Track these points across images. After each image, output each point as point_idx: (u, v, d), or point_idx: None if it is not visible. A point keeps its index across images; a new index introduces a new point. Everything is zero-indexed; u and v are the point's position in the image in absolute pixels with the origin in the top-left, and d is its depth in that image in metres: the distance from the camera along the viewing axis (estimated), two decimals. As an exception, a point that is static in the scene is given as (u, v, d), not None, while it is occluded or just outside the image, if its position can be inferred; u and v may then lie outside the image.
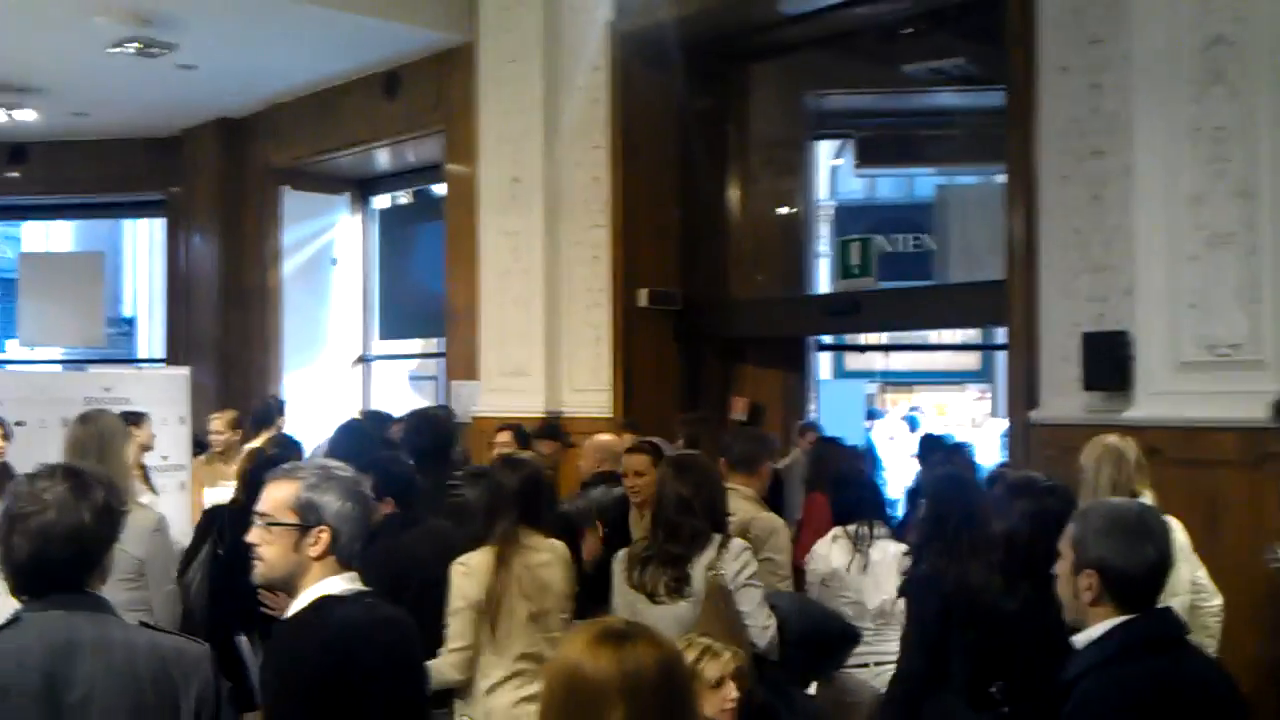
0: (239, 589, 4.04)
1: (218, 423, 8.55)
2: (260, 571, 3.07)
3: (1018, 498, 4.03)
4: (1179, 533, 4.36)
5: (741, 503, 5.36)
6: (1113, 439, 4.98)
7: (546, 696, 2.22)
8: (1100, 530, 2.95)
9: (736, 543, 4.56)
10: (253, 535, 3.07)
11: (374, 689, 3.00)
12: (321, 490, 3.04)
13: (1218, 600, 4.84)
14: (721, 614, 4.35)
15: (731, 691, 3.39)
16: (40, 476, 2.69)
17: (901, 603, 5.31)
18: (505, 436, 7.63)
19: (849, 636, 4.95)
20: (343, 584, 3.04)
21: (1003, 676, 3.99)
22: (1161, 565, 2.95)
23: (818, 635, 4.74)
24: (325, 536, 3.01)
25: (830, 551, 5.62)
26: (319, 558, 3.03)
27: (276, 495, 3.07)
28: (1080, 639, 2.98)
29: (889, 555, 5.52)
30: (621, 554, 4.72)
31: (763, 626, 4.45)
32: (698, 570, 4.43)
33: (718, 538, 4.51)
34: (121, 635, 2.65)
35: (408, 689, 3.15)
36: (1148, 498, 4.73)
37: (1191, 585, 4.74)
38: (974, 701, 4.11)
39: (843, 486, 5.94)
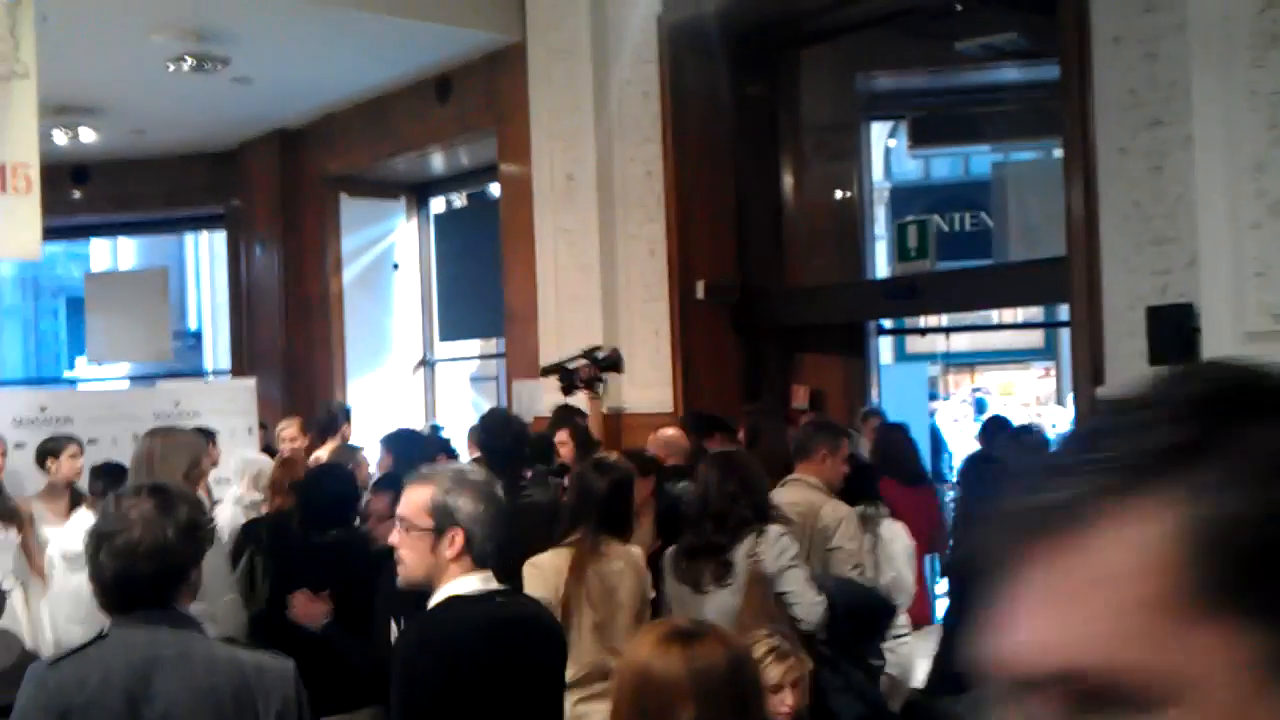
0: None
1: (291, 429, 8.58)
2: (401, 574, 3.18)
3: None
4: None
5: (806, 492, 5.37)
6: None
7: (617, 696, 2.23)
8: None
9: (774, 529, 4.69)
10: (393, 538, 3.21)
11: (495, 685, 3.06)
12: (455, 494, 3.13)
13: None
14: (759, 600, 4.50)
15: (788, 698, 3.38)
16: (126, 495, 2.76)
17: (910, 577, 5.52)
18: (564, 435, 7.64)
19: (888, 609, 5.09)
20: (476, 583, 3.12)
21: None
22: None
23: (861, 608, 4.86)
24: (459, 538, 3.09)
25: None
26: (455, 559, 3.11)
27: (413, 499, 3.17)
28: None
29: (896, 533, 5.71)
30: (671, 549, 4.88)
31: (812, 603, 4.60)
32: (739, 559, 4.58)
33: (759, 527, 4.65)
34: (204, 651, 2.69)
35: (535, 686, 3.20)
36: None
37: None
38: None
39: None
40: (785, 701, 3.39)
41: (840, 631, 4.68)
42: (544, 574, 4.40)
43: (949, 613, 4.76)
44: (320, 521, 4.98)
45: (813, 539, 5.32)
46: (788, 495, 5.48)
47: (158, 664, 2.61)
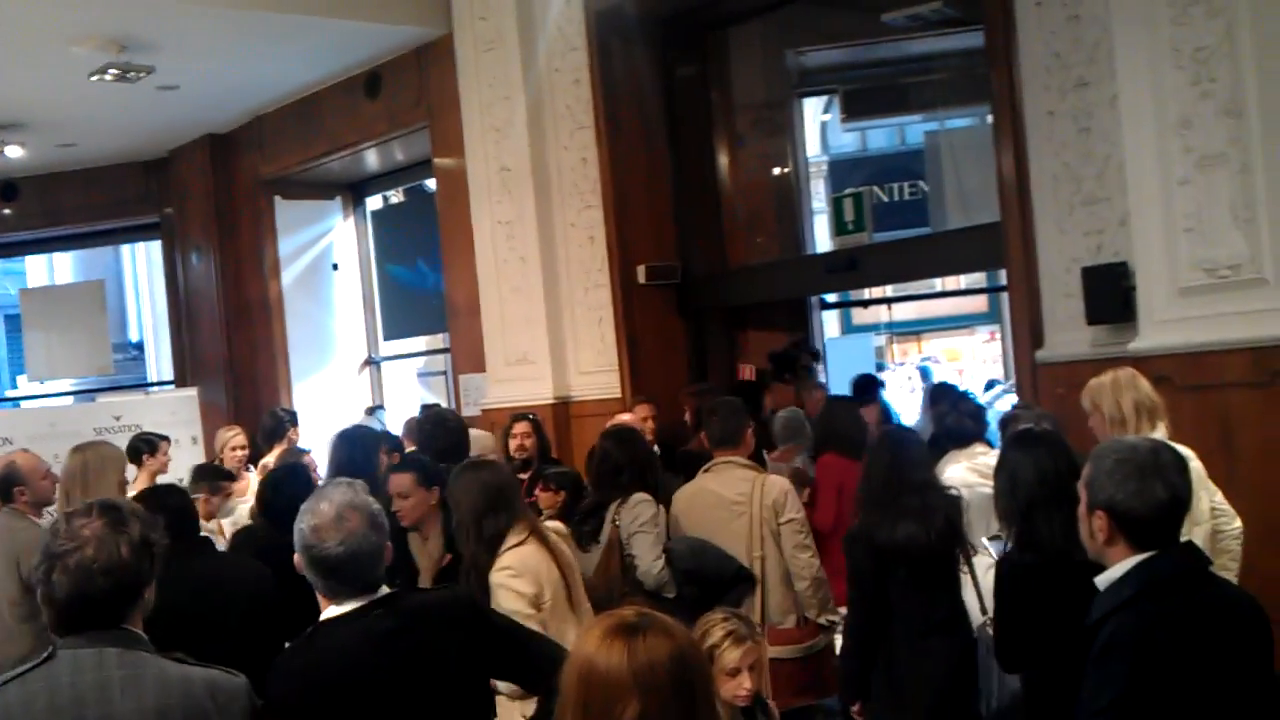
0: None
1: (241, 437, 8.44)
2: None
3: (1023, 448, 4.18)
4: (1194, 461, 4.36)
5: (741, 472, 5.55)
6: (1114, 372, 4.98)
7: (562, 692, 2.21)
8: (1109, 470, 2.92)
9: (636, 496, 5.25)
10: None
11: (383, 700, 2.97)
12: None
13: (1237, 523, 4.82)
14: (610, 560, 5.08)
15: (746, 681, 3.39)
16: (78, 514, 2.70)
17: None
18: (523, 427, 7.62)
19: (742, 577, 5.34)
20: (350, 603, 3.00)
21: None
22: (1174, 504, 2.90)
23: (708, 573, 5.26)
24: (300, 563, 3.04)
25: None
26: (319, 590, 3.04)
27: None
28: (1101, 580, 2.96)
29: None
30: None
31: (650, 564, 5.13)
32: (607, 522, 5.17)
33: (625, 494, 5.25)
34: (154, 671, 2.64)
35: (442, 680, 3.04)
36: (1162, 428, 4.73)
37: (1211, 511, 4.73)
38: (1005, 652, 4.21)
39: None
40: (743, 685, 3.41)
41: (683, 594, 5.11)
42: (524, 570, 4.34)
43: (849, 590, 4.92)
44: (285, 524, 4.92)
45: (763, 516, 5.38)
46: (722, 479, 5.53)
47: (107, 686, 2.57)
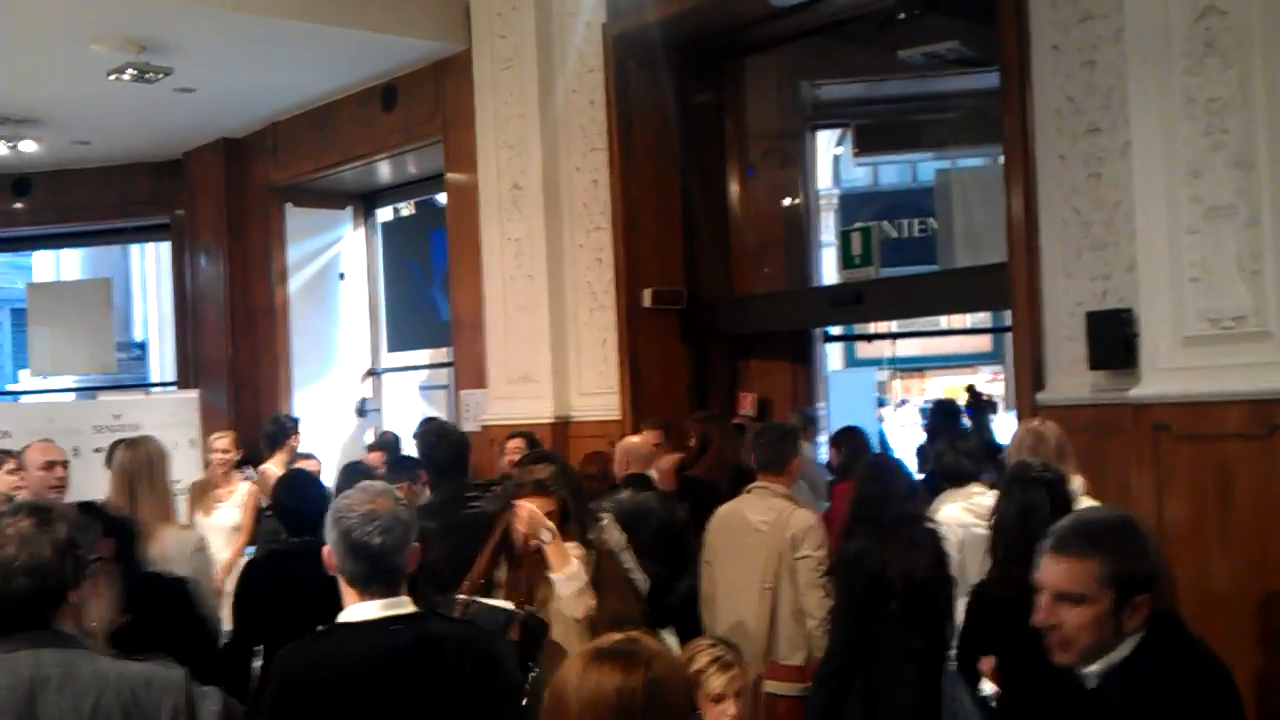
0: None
1: (224, 441, 8.39)
2: None
3: (1009, 486, 4.22)
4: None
5: (774, 500, 5.55)
6: (1034, 423, 5.09)
7: (542, 714, 2.22)
8: (1145, 550, 2.77)
9: (604, 518, 5.29)
10: None
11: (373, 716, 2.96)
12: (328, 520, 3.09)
13: None
14: (614, 571, 4.96)
15: (731, 709, 3.40)
16: (6, 513, 2.71)
17: None
18: (518, 443, 7.64)
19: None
20: (373, 610, 3.01)
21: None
22: None
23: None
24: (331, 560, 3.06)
25: None
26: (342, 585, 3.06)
27: None
28: (1099, 667, 2.76)
29: None
30: None
31: (644, 578, 5.28)
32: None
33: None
34: (89, 669, 2.63)
35: (443, 712, 3.03)
36: (1077, 481, 4.79)
37: None
38: (965, 671, 4.30)
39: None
40: (728, 712, 3.41)
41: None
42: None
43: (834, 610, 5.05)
44: (310, 526, 4.92)
45: (780, 548, 5.37)
46: (755, 504, 5.53)
47: (43, 685, 2.57)
